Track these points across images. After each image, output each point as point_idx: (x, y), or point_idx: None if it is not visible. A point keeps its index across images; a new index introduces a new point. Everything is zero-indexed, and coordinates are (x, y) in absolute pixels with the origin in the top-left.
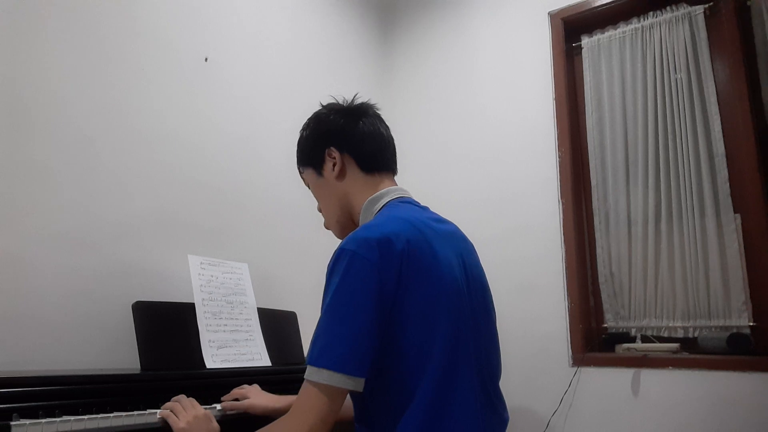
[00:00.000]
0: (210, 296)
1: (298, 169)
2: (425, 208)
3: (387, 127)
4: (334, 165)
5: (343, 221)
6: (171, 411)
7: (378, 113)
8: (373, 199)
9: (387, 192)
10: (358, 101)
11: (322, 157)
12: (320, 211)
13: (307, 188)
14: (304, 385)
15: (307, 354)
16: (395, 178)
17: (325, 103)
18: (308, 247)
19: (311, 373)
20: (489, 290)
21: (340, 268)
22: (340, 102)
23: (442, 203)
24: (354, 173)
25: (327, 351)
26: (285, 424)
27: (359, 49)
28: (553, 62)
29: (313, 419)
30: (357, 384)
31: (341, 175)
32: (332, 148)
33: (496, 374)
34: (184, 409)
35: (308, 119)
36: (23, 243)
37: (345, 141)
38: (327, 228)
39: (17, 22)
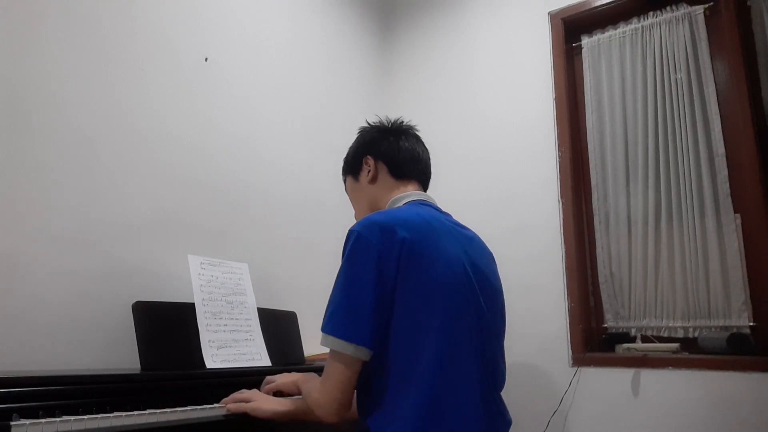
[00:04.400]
0: (210, 296)
1: (343, 179)
2: (447, 214)
3: (426, 149)
4: (369, 171)
5: None
6: (239, 402)
7: (417, 134)
8: (397, 198)
9: (411, 194)
10: (400, 122)
11: (360, 165)
12: (356, 219)
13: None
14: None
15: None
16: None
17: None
18: (308, 247)
19: (322, 339)
20: (502, 300)
21: (347, 248)
22: (384, 122)
23: (442, 203)
24: (385, 178)
25: (331, 319)
26: (315, 385)
27: (359, 49)
28: (553, 62)
29: (330, 385)
30: (358, 351)
31: (373, 180)
32: (369, 156)
33: (501, 382)
34: (248, 397)
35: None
36: (23, 243)
37: (381, 150)
38: None
39: (17, 22)
